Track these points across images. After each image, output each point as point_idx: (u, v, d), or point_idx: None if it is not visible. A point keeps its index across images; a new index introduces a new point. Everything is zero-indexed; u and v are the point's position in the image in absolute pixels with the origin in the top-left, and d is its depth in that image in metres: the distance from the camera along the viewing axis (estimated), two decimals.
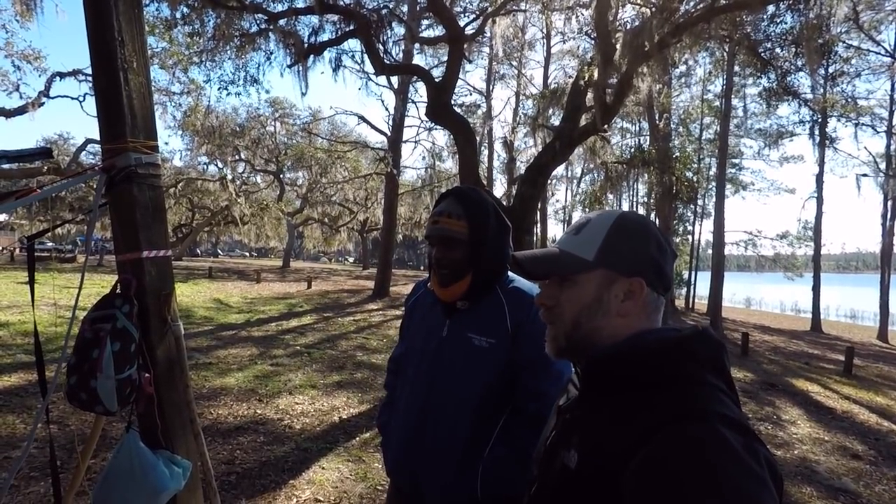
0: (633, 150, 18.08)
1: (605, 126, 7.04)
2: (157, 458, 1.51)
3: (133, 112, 1.64)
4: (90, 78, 14.74)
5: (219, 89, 9.41)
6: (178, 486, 1.52)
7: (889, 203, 18.86)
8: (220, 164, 26.32)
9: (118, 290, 1.58)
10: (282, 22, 7.72)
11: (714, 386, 0.70)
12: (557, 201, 31.80)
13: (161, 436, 1.59)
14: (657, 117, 16.41)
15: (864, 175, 19.08)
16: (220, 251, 56.29)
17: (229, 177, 24.46)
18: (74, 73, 15.48)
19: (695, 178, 16.03)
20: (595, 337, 0.79)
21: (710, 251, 18.29)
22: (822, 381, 8.04)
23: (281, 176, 28.35)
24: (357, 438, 4.13)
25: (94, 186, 1.69)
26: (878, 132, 18.28)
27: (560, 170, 24.86)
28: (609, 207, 13.11)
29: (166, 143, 34.79)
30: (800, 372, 8.86)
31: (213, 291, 14.86)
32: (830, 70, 14.17)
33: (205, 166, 28.35)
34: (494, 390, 1.32)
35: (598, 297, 0.79)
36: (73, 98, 16.23)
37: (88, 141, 1.75)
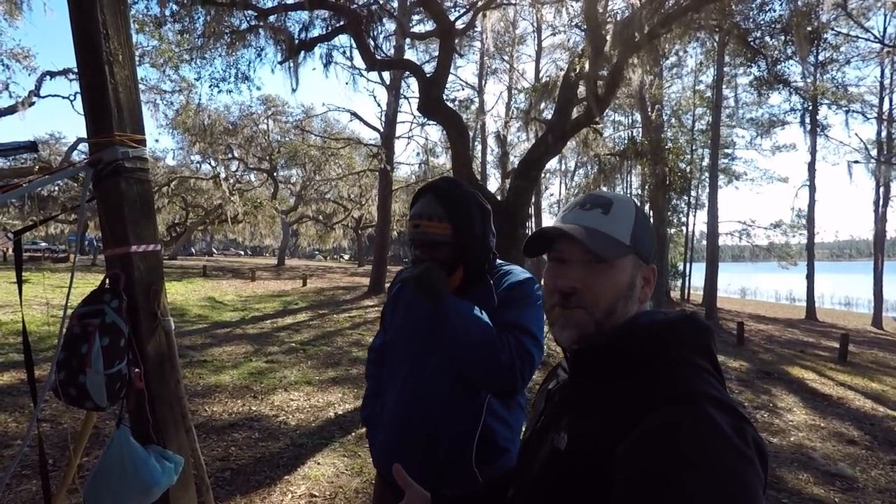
0: (625, 141, 18.09)
1: (598, 118, 7.03)
2: (149, 453, 1.50)
3: (119, 105, 1.63)
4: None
5: (210, 87, 9.36)
6: (169, 481, 1.52)
7: (881, 189, 18.94)
8: (212, 163, 26.20)
9: (107, 285, 1.57)
10: (272, 18, 7.66)
11: (702, 368, 0.71)
12: (552, 195, 31.83)
13: (152, 431, 1.58)
14: (649, 109, 16.41)
15: (856, 162, 19.12)
16: (214, 250, 56.05)
17: (222, 175, 24.34)
18: (65, 71, 15.35)
19: (688, 169, 16.06)
20: (618, 323, 0.76)
21: (704, 242, 18.36)
22: (818, 369, 8.10)
23: (274, 174, 28.22)
24: (352, 434, 4.13)
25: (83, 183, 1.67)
26: (868, 119, 18.36)
27: (553, 163, 24.92)
28: None
29: (157, 141, 34.60)
30: (795, 360, 8.92)
31: (207, 290, 14.80)
32: (820, 58, 14.20)
33: (197, 165, 28.22)
34: None
35: (632, 282, 0.78)
36: (63, 97, 16.12)
37: (80, 140, 1.73)
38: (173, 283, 15.02)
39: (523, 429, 0.93)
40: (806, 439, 4.70)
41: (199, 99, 17.76)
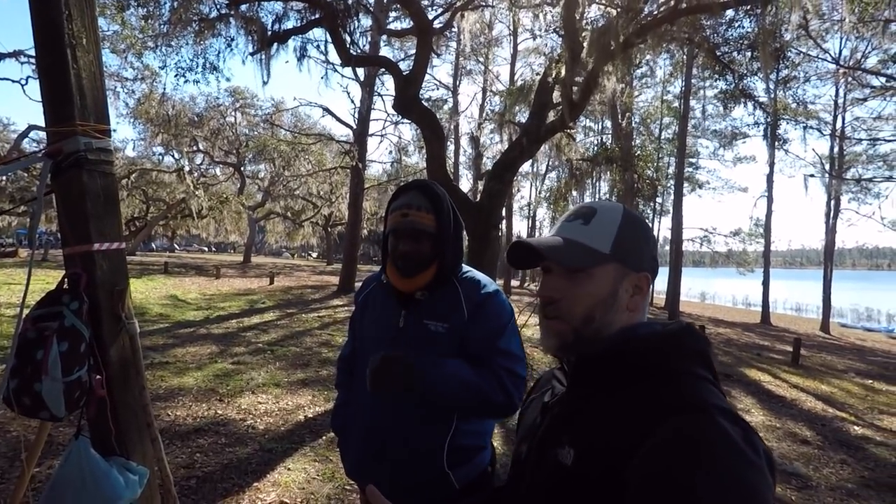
0: (595, 147, 18.44)
1: (572, 123, 7.13)
2: (110, 465, 1.41)
3: (82, 93, 1.52)
4: (34, 60, 13.83)
5: (175, 76, 8.96)
6: (133, 494, 1.43)
7: (832, 202, 19.98)
8: (176, 155, 25.33)
9: (66, 286, 1.47)
10: (243, 7, 7.42)
11: (705, 378, 0.72)
12: (522, 198, 32.24)
13: (115, 441, 1.48)
14: (620, 116, 16.78)
15: (811, 175, 20.10)
16: (176, 246, 54.15)
17: (186, 168, 23.52)
18: (15, 54, 14.49)
19: (655, 177, 16.51)
20: (603, 332, 0.77)
21: (668, 247, 18.90)
22: (773, 371, 8.44)
23: (242, 168, 27.49)
24: (323, 437, 4.04)
25: (39, 174, 1.55)
26: (823, 135, 19.31)
27: (526, 166, 25.16)
28: (571, 205, 13.27)
29: (115, 131, 33.09)
30: (752, 363, 9.27)
31: (169, 287, 14.26)
32: (782, 74, 14.84)
33: (160, 157, 27.21)
34: None
35: (614, 291, 0.78)
36: (14, 81, 15.21)
37: (32, 127, 1.61)
38: (133, 281, 14.21)
39: (516, 443, 0.93)
40: (764, 440, 4.86)
41: (164, 88, 17.09)
